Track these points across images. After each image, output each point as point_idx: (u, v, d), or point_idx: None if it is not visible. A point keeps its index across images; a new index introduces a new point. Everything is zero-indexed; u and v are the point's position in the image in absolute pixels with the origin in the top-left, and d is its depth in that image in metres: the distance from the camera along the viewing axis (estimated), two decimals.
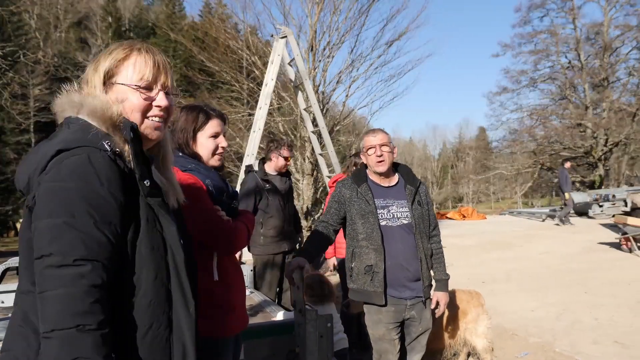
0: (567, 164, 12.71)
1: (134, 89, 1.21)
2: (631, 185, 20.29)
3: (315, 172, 11.12)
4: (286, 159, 4.15)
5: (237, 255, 3.96)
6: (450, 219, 18.86)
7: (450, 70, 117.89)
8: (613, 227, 10.43)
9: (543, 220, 14.52)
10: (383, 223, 2.56)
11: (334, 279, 5.39)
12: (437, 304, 2.65)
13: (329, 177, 6.96)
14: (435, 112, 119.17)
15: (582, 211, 14.51)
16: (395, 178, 2.71)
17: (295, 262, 2.29)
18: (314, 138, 8.05)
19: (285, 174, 4.26)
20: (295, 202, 6.89)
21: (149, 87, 1.24)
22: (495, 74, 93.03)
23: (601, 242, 9.51)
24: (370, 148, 2.62)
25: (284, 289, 4.13)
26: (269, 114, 9.31)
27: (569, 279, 6.85)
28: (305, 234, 8.05)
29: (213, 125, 1.90)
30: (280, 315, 3.02)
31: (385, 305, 2.51)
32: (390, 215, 2.58)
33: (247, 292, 3.32)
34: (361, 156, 2.77)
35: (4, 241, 26.83)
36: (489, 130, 37.52)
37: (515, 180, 34.29)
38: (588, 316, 5.08)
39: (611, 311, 5.19)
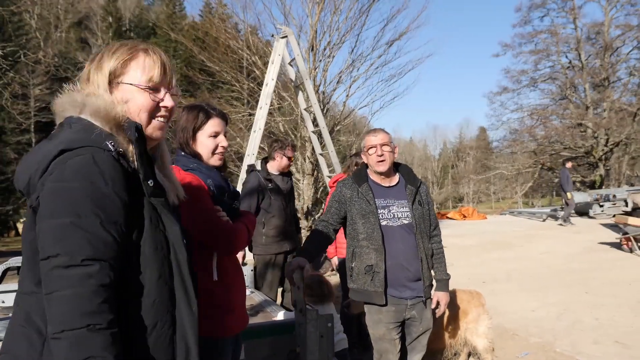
0: (569, 164, 12.72)
1: (142, 89, 1.22)
2: (632, 185, 20.29)
3: (315, 172, 11.11)
4: (289, 159, 4.16)
5: (240, 256, 3.98)
6: (450, 218, 18.86)
7: (450, 70, 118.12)
8: (614, 227, 10.42)
9: (544, 220, 14.51)
10: (384, 223, 2.55)
11: (333, 279, 5.39)
12: (438, 303, 2.65)
13: (330, 177, 6.96)
14: (436, 112, 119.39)
15: (582, 211, 14.50)
16: (396, 178, 2.71)
17: (295, 262, 2.29)
18: (314, 138, 8.05)
19: (286, 174, 4.26)
20: (296, 202, 6.89)
21: (157, 88, 1.25)
22: (495, 74, 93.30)
23: (602, 242, 9.50)
24: (371, 148, 2.62)
25: (285, 289, 4.13)
26: (270, 113, 9.30)
27: (569, 279, 6.85)
28: (306, 234, 8.05)
29: (213, 125, 1.90)
30: (280, 315, 3.02)
31: (386, 305, 2.50)
32: (390, 215, 2.58)
33: (248, 292, 3.32)
34: (362, 156, 2.77)
35: (4, 241, 26.85)
36: (490, 130, 37.45)
37: (516, 180, 34.25)
38: (589, 316, 5.08)
39: (612, 311, 5.19)
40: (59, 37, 32.52)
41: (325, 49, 11.20)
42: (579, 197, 14.89)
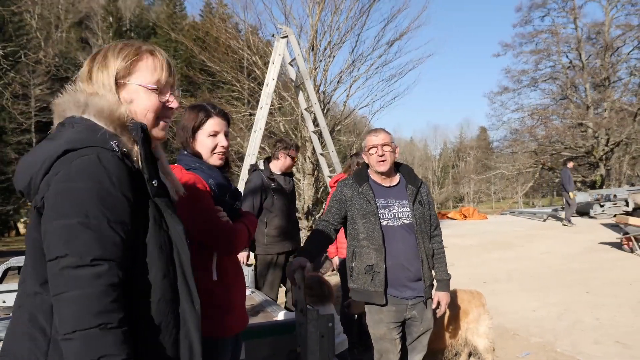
0: (570, 164, 12.75)
1: (150, 90, 1.22)
2: (632, 185, 20.29)
3: (316, 172, 11.10)
4: (293, 159, 4.15)
5: (244, 257, 3.97)
6: (451, 218, 18.85)
7: (451, 70, 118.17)
8: (614, 227, 10.41)
9: (544, 220, 14.51)
10: (384, 223, 2.55)
11: (333, 279, 5.38)
12: (438, 303, 2.64)
13: (330, 177, 6.95)
14: (436, 112, 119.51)
15: (583, 211, 14.48)
16: (397, 178, 2.70)
17: (296, 262, 2.28)
18: (314, 138, 8.04)
19: (288, 174, 4.26)
20: (297, 202, 6.88)
21: (163, 89, 1.25)
22: (496, 74, 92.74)
23: (602, 242, 9.49)
24: (371, 147, 2.62)
25: (288, 289, 4.13)
26: (270, 113, 9.30)
27: (570, 279, 6.84)
28: (306, 234, 8.04)
29: (212, 124, 1.89)
30: (281, 315, 3.02)
31: (386, 304, 2.50)
32: (391, 215, 2.58)
33: (248, 292, 3.32)
34: (363, 156, 2.77)
35: (4, 241, 26.88)
36: (490, 130, 37.35)
37: (516, 180, 34.18)
38: (589, 316, 5.07)
39: (612, 311, 5.19)
40: (59, 37, 32.56)
41: (325, 49, 11.20)
42: (580, 197, 14.88)
